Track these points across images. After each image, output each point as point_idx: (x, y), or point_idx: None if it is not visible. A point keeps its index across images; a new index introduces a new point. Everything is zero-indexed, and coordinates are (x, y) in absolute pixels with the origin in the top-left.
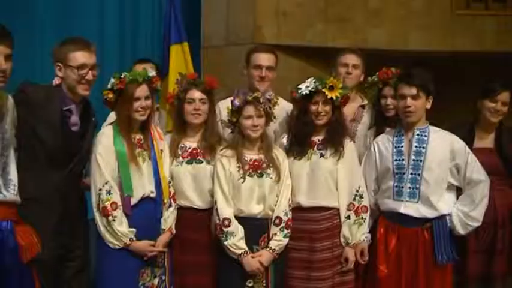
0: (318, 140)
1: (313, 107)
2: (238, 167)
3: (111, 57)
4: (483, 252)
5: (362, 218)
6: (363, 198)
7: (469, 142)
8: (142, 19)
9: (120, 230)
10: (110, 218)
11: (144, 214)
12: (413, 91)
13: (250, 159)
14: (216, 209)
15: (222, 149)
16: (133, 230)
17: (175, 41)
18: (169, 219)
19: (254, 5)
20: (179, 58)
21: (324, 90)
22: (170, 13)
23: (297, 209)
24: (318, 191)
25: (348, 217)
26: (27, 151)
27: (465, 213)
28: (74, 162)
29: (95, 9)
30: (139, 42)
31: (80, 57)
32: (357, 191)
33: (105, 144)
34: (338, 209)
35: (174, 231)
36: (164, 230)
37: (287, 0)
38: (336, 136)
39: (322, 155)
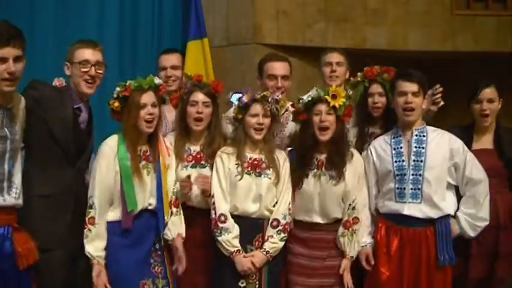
0: (324, 160)
1: (316, 118)
2: (237, 164)
3: (112, 59)
4: (486, 256)
5: (353, 229)
6: (354, 209)
7: (467, 144)
8: (142, 21)
9: (87, 247)
10: (86, 230)
11: (140, 225)
12: (415, 88)
13: (250, 158)
14: (213, 204)
15: (224, 146)
16: (101, 254)
17: (194, 37)
18: (175, 227)
19: (254, 5)
20: (198, 54)
21: (326, 97)
22: (191, 8)
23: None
24: (330, 209)
25: (342, 233)
26: (41, 149)
27: (473, 215)
28: (82, 160)
29: (94, 12)
30: (140, 43)
31: (83, 53)
32: (350, 204)
33: (108, 156)
34: None
35: (183, 235)
36: (173, 239)
37: (287, 0)
38: (338, 157)
39: (331, 177)
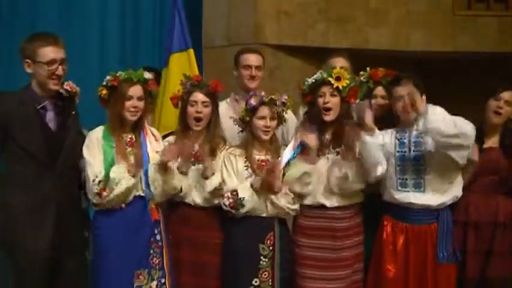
0: (330, 139)
1: (320, 100)
2: (246, 166)
3: (113, 63)
4: (482, 254)
5: None
6: None
7: (479, 143)
8: (143, 26)
9: (117, 171)
10: (106, 194)
11: (132, 216)
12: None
13: (258, 160)
14: (224, 192)
15: (230, 147)
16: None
17: (178, 49)
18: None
19: (255, 5)
20: (181, 66)
21: (329, 79)
22: (174, 21)
23: (320, 207)
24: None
25: None
26: (13, 162)
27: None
28: (60, 162)
29: (96, 16)
30: (141, 48)
31: (49, 52)
32: None
33: (93, 139)
34: (361, 204)
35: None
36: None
37: (288, 0)
38: (341, 134)
39: (338, 153)
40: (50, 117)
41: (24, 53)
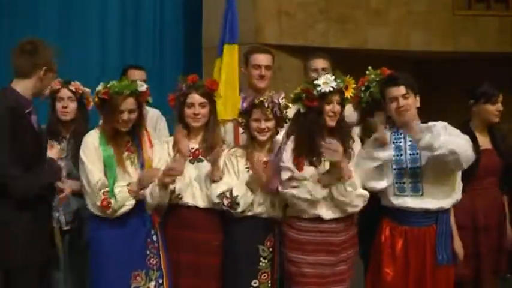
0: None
1: (328, 107)
2: (247, 167)
3: (113, 63)
4: (493, 253)
5: None
6: None
7: (476, 144)
8: (143, 26)
9: (120, 195)
10: (110, 209)
11: (130, 218)
12: (402, 90)
13: (260, 161)
14: (224, 193)
15: (232, 148)
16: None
17: (229, 41)
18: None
19: (255, 5)
20: (232, 58)
21: (343, 89)
22: (228, 12)
23: (315, 220)
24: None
25: None
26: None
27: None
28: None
29: (96, 16)
30: (141, 48)
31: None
32: None
33: (90, 145)
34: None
35: None
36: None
37: (289, 0)
38: (344, 139)
39: None
40: (34, 120)
41: (46, 58)
